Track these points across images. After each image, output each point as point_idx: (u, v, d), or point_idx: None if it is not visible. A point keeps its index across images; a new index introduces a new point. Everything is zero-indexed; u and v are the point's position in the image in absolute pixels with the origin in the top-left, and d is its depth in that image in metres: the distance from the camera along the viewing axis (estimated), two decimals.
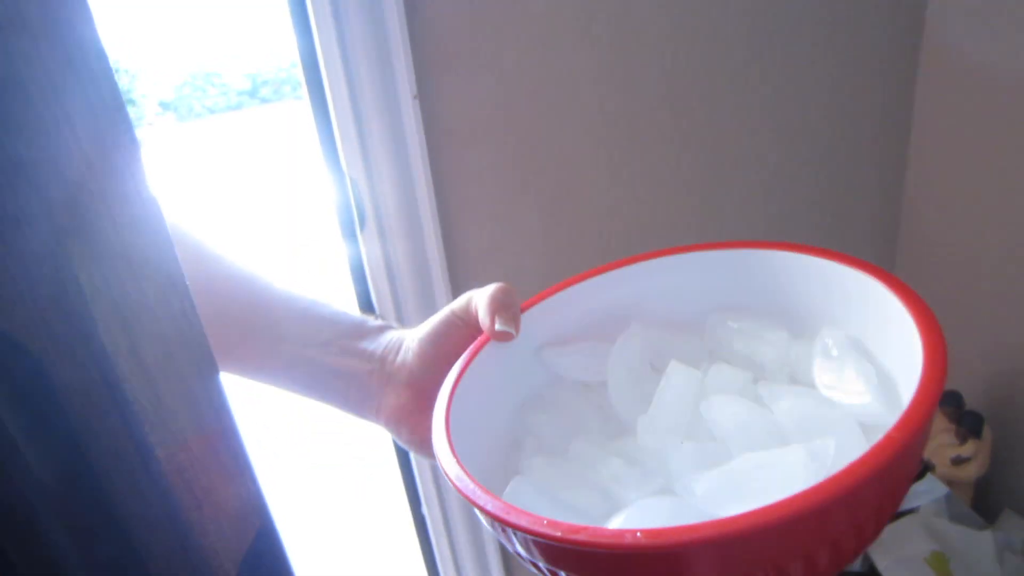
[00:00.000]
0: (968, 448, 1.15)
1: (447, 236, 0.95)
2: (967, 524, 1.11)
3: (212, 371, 0.22)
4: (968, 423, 1.15)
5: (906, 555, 1.03)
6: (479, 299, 0.46)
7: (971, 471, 1.15)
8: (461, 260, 0.97)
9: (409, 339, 0.49)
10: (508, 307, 0.46)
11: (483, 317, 0.45)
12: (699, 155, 1.07)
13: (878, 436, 0.35)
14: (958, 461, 1.15)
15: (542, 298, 0.50)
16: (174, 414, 0.21)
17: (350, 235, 0.94)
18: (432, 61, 0.87)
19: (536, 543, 0.31)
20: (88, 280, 0.19)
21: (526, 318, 0.48)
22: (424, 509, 1.10)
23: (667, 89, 1.00)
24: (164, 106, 10.41)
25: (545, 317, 0.49)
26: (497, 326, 0.44)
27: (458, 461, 0.36)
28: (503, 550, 1.14)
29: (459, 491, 0.34)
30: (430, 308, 0.96)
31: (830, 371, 0.37)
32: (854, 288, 0.38)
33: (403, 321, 0.97)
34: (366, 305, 0.98)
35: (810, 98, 1.10)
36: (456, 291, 0.97)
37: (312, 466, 2.46)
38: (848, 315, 0.40)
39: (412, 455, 1.05)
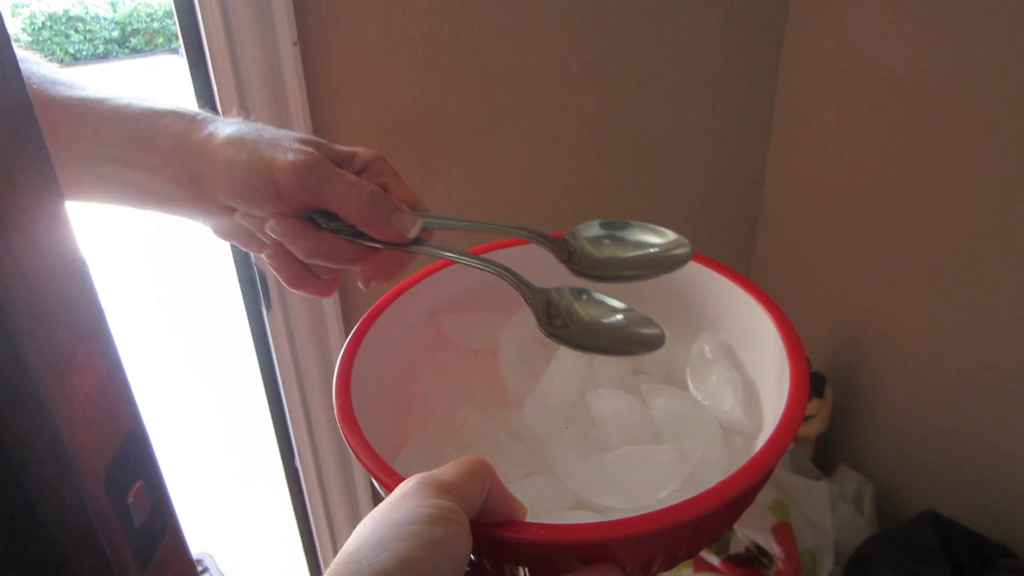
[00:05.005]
0: (811, 407, 1.26)
1: None
2: (807, 476, 1.23)
3: (86, 277, 0.22)
4: (812, 383, 1.25)
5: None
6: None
7: (813, 428, 1.26)
8: None
9: (220, 166, 0.41)
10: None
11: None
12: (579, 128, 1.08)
13: (735, 439, 0.37)
14: None
15: (444, 265, 0.50)
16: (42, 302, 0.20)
17: None
18: (315, 8, 0.82)
19: None
20: None
21: (427, 282, 0.49)
22: (297, 462, 1.09)
23: (542, 60, 0.99)
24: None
25: (444, 283, 0.50)
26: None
27: (363, 437, 0.37)
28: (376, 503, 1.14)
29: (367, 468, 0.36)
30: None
31: (702, 375, 0.39)
32: (743, 308, 0.41)
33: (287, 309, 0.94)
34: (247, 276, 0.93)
35: (679, 93, 1.14)
36: None
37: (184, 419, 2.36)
38: (728, 327, 0.42)
39: (287, 412, 1.03)
